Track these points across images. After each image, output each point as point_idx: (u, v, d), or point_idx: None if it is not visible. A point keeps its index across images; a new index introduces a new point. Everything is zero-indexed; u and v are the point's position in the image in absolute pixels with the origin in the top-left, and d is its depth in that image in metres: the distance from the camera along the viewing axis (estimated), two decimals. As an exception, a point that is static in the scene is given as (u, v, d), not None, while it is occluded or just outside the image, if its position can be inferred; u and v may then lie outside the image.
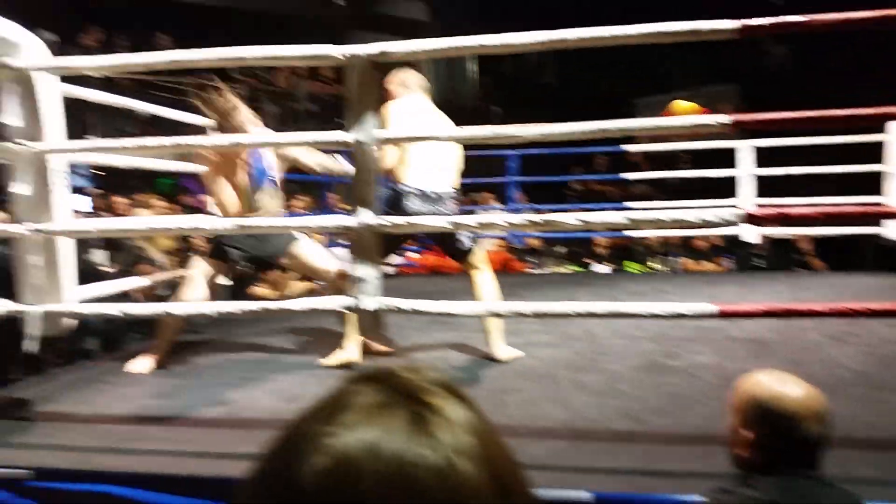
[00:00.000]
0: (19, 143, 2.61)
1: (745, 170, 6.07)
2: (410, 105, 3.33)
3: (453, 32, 2.68)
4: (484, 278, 3.35)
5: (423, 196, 3.18)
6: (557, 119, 2.46)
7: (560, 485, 1.86)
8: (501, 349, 3.27)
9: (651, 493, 1.80)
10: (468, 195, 11.16)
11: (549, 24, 2.33)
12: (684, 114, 11.18)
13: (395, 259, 7.54)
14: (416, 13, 12.86)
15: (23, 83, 2.62)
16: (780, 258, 7.34)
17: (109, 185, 8.74)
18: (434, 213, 3.12)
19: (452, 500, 0.42)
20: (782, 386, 1.45)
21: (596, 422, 2.37)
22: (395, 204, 3.15)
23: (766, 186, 6.24)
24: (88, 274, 4.04)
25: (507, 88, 13.81)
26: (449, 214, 3.18)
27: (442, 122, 3.37)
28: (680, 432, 2.24)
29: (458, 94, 13.80)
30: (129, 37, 10.34)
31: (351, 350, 3.23)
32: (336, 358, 3.25)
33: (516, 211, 6.96)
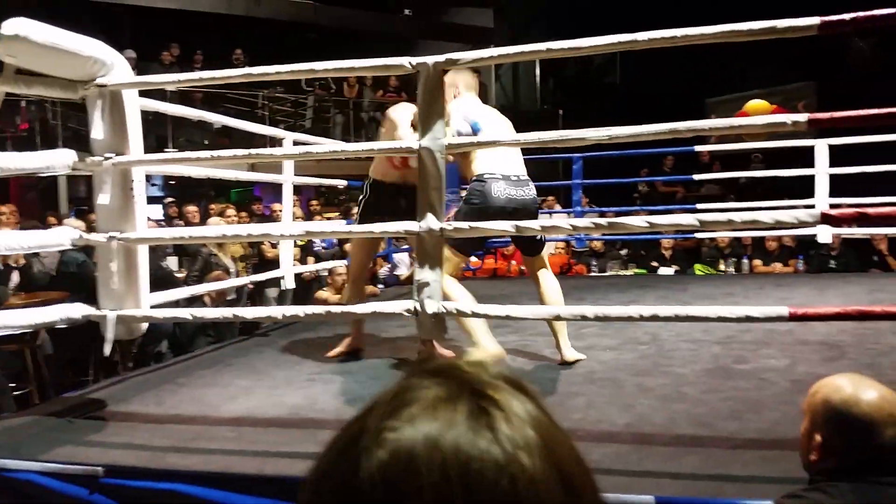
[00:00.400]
0: (106, 157, 2.76)
1: (821, 169, 5.86)
2: (465, 105, 3.35)
3: (520, 37, 2.70)
4: (550, 277, 3.35)
5: (507, 179, 3.16)
6: (620, 120, 2.45)
7: (624, 490, 1.85)
8: (568, 350, 3.26)
9: (717, 499, 1.77)
10: (532, 199, 11.12)
11: (610, 23, 2.32)
12: (758, 113, 10.87)
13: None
14: (483, 20, 12.94)
15: (109, 99, 2.78)
16: (855, 259, 7.05)
17: (183, 194, 9.11)
18: (523, 197, 3.14)
19: (513, 495, 0.41)
20: (857, 389, 1.41)
21: (660, 426, 2.34)
22: (482, 195, 3.11)
23: (840, 185, 6.00)
24: (162, 280, 4.24)
25: (570, 90, 13.72)
26: (536, 199, 3.23)
27: (499, 119, 3.37)
28: (748, 437, 2.19)
29: (521, 98, 13.80)
30: (204, 52, 10.74)
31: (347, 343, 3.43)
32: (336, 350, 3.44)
33: (580, 214, 6.90)
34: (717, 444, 2.17)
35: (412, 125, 3.21)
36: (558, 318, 2.51)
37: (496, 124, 3.31)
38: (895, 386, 1.59)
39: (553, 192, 9.42)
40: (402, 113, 3.29)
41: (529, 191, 3.23)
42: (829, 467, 1.40)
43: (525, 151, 6.07)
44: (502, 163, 3.17)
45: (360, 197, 3.62)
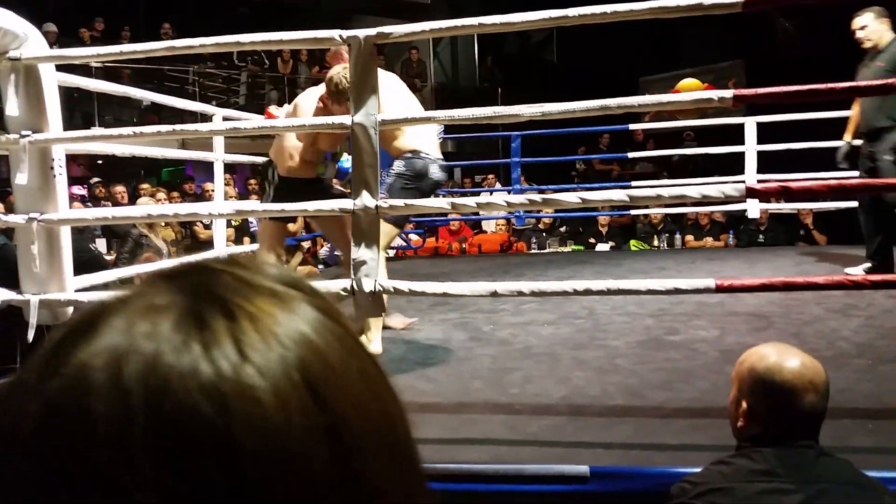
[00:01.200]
0: (23, 135, 2.62)
1: (750, 146, 6.03)
2: (385, 79, 3.34)
3: (457, 14, 2.68)
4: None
5: (438, 161, 3.22)
6: (560, 98, 2.45)
7: (559, 460, 1.88)
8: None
9: (648, 467, 1.82)
10: (472, 177, 11.17)
11: (554, 2, 2.32)
12: (690, 91, 11.12)
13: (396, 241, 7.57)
14: (420, -4, 12.79)
15: (23, 74, 2.63)
16: (783, 233, 7.33)
17: (111, 175, 8.78)
18: (443, 179, 3.21)
19: (222, 427, 0.29)
20: (781, 357, 1.45)
21: (595, 398, 2.38)
22: (419, 173, 3.15)
23: (773, 163, 6.20)
24: (89, 263, 4.07)
25: (510, 68, 13.74)
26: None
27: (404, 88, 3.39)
28: (678, 406, 2.25)
29: (461, 76, 13.76)
30: (132, 28, 10.32)
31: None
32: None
33: (518, 192, 6.95)
34: (649, 413, 2.22)
35: (322, 101, 3.23)
36: (495, 294, 2.52)
37: (413, 108, 3.31)
38: (819, 354, 1.65)
39: (493, 171, 9.47)
40: (309, 101, 3.27)
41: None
42: (754, 433, 1.44)
43: (465, 129, 6.11)
44: (428, 144, 3.19)
45: (268, 183, 3.55)
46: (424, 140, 3.20)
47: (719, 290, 2.18)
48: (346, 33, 2.44)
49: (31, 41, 2.68)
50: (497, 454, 1.96)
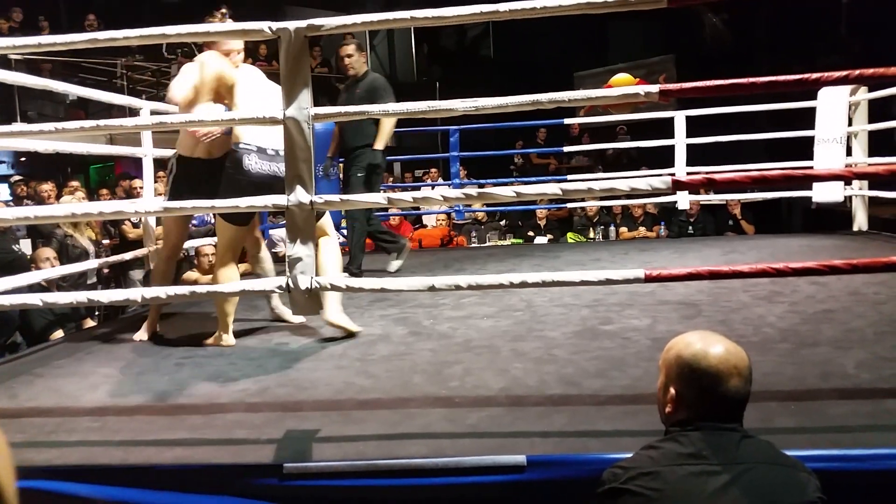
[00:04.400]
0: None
1: (679, 139, 6.21)
2: (246, 71, 3.34)
3: (392, 6, 2.66)
4: (332, 243, 3.39)
5: (262, 152, 3.16)
6: (497, 93, 2.47)
7: (498, 451, 1.90)
8: (334, 315, 3.30)
9: (583, 454, 1.85)
10: (412, 171, 11.16)
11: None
12: (621, 86, 11.35)
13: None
14: (355, -12, 12.66)
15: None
16: (712, 223, 7.59)
17: (36, 172, 8.43)
18: (275, 171, 3.12)
19: None
20: (706, 344, 1.50)
21: (533, 388, 2.42)
22: (236, 165, 3.13)
23: (703, 155, 6.40)
24: (11, 264, 3.91)
25: (447, 63, 13.77)
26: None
27: (269, 85, 3.35)
28: (612, 394, 2.31)
29: (398, 69, 13.70)
30: (51, 18, 9.92)
31: (227, 337, 3.30)
32: (214, 340, 3.32)
33: (458, 186, 6.97)
34: (584, 401, 2.27)
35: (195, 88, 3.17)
36: (432, 288, 2.53)
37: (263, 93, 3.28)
38: (744, 340, 1.71)
39: (434, 165, 9.47)
40: (180, 80, 3.23)
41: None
42: (682, 418, 1.49)
43: (405, 123, 6.06)
44: (259, 134, 3.15)
45: (168, 173, 3.52)
46: (252, 132, 3.14)
47: (648, 279, 2.24)
48: (275, 25, 2.40)
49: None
50: (437, 447, 1.97)
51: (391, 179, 9.54)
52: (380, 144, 4.77)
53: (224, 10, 3.34)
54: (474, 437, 2.03)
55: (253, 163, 3.12)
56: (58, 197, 6.28)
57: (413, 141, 10.62)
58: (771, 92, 2.36)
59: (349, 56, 4.82)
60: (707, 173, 3.34)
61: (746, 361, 1.49)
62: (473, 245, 7.98)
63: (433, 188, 8.62)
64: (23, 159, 9.93)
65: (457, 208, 7.49)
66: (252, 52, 10.90)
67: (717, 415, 1.47)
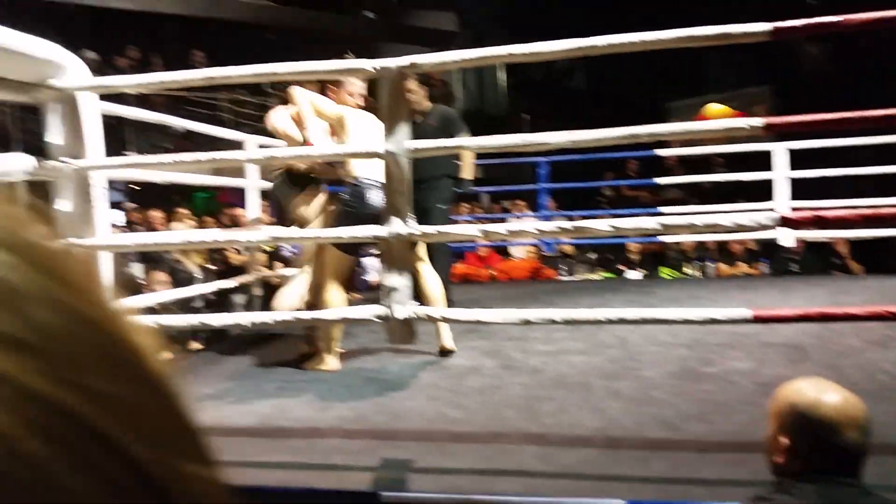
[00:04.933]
0: (63, 161, 2.69)
1: (780, 172, 5.98)
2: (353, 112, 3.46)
3: (483, 41, 2.71)
4: (430, 270, 3.47)
5: (379, 187, 3.26)
6: (586, 124, 2.46)
7: (595, 494, 1.86)
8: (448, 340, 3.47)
9: (686, 501, 1.79)
10: (499, 202, 11.18)
11: (577, 26, 2.34)
12: (717, 117, 11.08)
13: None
14: (446, 24, 12.94)
15: (66, 103, 2.71)
16: (817, 262, 7.21)
17: (146, 200, 8.94)
18: None
19: None
20: (821, 392, 1.43)
21: (629, 430, 2.35)
22: (358, 198, 3.23)
23: (804, 189, 6.14)
24: (126, 288, 4.13)
25: (536, 95, 13.81)
26: None
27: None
28: (715, 440, 2.22)
29: (487, 102, 13.84)
30: (163, 54, 10.57)
31: (332, 361, 3.37)
32: (315, 364, 3.37)
33: (547, 218, 6.94)
34: (685, 446, 2.19)
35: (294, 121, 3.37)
36: (526, 322, 2.51)
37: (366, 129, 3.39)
38: (858, 387, 1.61)
39: (522, 196, 9.46)
40: (283, 120, 3.44)
41: None
42: (794, 469, 1.42)
43: (493, 155, 6.12)
44: (372, 169, 3.22)
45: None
46: (367, 166, 3.25)
47: (757, 320, 2.15)
48: (377, 63, 2.48)
49: (72, 70, 2.76)
50: (531, 486, 1.94)
51: (479, 210, 9.58)
52: (469, 174, 4.80)
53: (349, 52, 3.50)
54: (570, 478, 1.99)
55: (375, 197, 3.21)
56: (168, 223, 6.63)
57: (498, 172, 10.68)
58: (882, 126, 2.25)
59: (409, 91, 4.76)
60: (815, 209, 3.20)
61: (864, 411, 1.41)
62: (562, 278, 7.89)
63: (519, 219, 8.60)
64: (134, 188, 10.56)
65: (546, 241, 7.45)
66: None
67: (834, 468, 1.39)
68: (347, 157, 2.88)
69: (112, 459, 0.18)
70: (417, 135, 4.62)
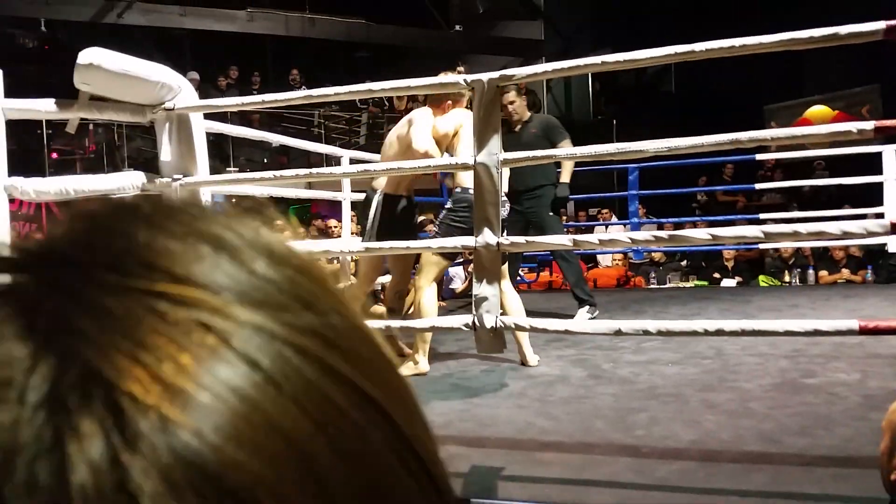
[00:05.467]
0: (175, 178, 2.87)
1: (890, 175, 5.65)
2: (460, 116, 3.51)
3: (570, 48, 2.71)
4: (508, 286, 3.46)
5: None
6: (676, 128, 2.41)
7: (691, 507, 1.82)
8: (531, 356, 3.54)
9: (789, 518, 1.73)
10: (586, 210, 11.05)
11: (664, 30, 2.31)
12: (820, 119, 10.58)
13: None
14: (532, 32, 12.92)
15: (176, 123, 2.89)
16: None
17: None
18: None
19: None
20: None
21: (727, 443, 2.29)
22: (468, 208, 3.23)
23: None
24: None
25: (624, 99, 13.57)
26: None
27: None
28: (819, 454, 2.13)
29: (574, 108, 13.71)
30: (261, 73, 11.02)
31: (423, 362, 3.47)
32: (407, 368, 3.43)
33: (636, 225, 6.81)
34: (786, 460, 2.11)
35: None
36: (618, 333, 2.48)
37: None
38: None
39: (608, 204, 9.32)
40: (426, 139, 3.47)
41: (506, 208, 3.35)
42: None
43: (580, 163, 6.08)
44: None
45: (371, 210, 3.71)
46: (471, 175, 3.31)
47: (863, 331, 2.05)
48: (470, 77, 2.52)
49: (182, 92, 2.94)
50: (625, 498, 1.92)
51: (565, 218, 9.50)
52: (567, 178, 4.78)
53: (461, 67, 3.59)
54: (665, 491, 1.96)
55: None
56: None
57: (586, 179, 10.55)
58: None
59: (512, 103, 4.68)
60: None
61: None
62: (652, 286, 7.71)
63: (606, 228, 8.47)
64: (233, 201, 11.04)
65: (634, 248, 7.31)
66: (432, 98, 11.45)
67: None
68: (441, 169, 2.94)
69: (396, 435, 0.22)
70: (519, 143, 4.61)
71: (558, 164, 4.79)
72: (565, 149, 3.11)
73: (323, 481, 0.19)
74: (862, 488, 1.73)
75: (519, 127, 4.74)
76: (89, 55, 2.63)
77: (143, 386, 0.19)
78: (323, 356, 0.21)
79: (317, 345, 0.21)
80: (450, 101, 3.58)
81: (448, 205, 3.47)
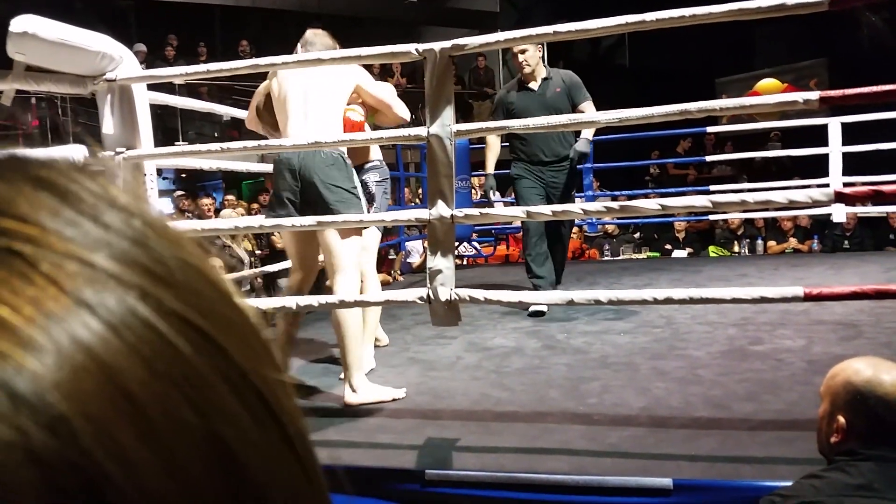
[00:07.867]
0: (118, 152, 2.77)
1: (834, 147, 5.79)
2: None
3: (525, 21, 2.69)
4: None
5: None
6: (630, 102, 2.42)
7: (642, 473, 1.86)
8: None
9: (736, 480, 1.77)
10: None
11: (614, 2, 2.30)
12: (769, 92, 10.78)
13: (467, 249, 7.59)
14: (488, 5, 12.83)
15: (118, 94, 2.78)
16: (871, 237, 7.01)
17: (194, 188, 9.15)
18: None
19: None
20: (878, 371, 1.41)
21: (677, 409, 2.34)
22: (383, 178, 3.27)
23: (859, 164, 5.95)
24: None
25: (580, 72, 13.61)
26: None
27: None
28: (765, 418, 2.19)
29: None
30: (208, 44, 10.72)
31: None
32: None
33: (591, 198, 6.87)
34: (733, 425, 2.17)
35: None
36: (570, 302, 2.50)
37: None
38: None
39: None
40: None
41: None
42: (849, 448, 1.39)
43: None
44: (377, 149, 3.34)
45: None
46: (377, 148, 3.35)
47: (808, 298, 2.10)
48: (421, 47, 2.48)
49: (125, 62, 2.83)
50: (577, 465, 1.94)
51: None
52: (591, 134, 4.30)
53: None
54: (616, 457, 1.99)
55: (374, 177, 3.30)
56: (216, 211, 6.79)
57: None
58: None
59: (523, 51, 4.14)
60: (872, 184, 3.11)
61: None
62: (606, 258, 7.81)
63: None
64: (183, 175, 10.78)
65: (589, 221, 7.38)
66: (390, 70, 11.32)
67: (892, 446, 1.36)
68: (394, 140, 2.90)
69: (230, 367, 0.22)
70: (543, 103, 4.09)
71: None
72: (525, 119, 3.06)
73: (133, 397, 0.19)
74: (806, 450, 1.78)
75: (537, 84, 4.22)
76: (23, 23, 2.51)
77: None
78: (144, 286, 0.21)
79: (144, 279, 0.21)
80: None
81: (376, 177, 3.26)
